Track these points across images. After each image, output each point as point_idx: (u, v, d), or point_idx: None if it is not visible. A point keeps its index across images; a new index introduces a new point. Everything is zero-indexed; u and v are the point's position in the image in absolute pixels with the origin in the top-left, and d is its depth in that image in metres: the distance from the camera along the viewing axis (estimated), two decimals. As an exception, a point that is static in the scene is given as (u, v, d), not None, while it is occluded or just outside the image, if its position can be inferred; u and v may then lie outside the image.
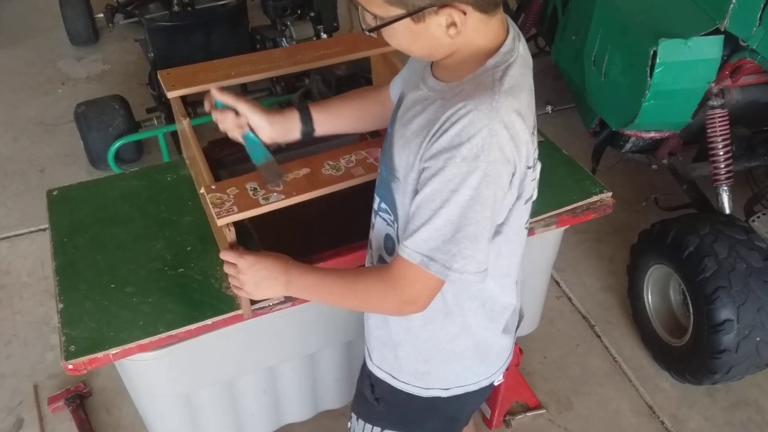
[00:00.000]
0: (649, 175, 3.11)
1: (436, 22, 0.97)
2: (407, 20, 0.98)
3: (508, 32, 1.05)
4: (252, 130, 1.32)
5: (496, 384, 1.35)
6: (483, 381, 1.30)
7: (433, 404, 1.28)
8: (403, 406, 1.31)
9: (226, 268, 1.25)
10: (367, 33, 1.04)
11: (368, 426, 1.38)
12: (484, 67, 1.02)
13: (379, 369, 1.31)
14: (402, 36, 1.02)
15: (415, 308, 1.10)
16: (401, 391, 1.29)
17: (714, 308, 2.02)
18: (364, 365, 1.38)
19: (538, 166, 1.18)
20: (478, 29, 1.01)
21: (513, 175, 1.02)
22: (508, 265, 1.18)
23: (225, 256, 1.24)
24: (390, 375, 1.29)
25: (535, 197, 1.60)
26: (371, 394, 1.35)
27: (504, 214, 1.08)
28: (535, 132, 1.11)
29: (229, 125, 1.31)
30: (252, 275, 1.22)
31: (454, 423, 1.38)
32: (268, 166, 1.35)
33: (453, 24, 0.97)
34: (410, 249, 1.03)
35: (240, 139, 1.33)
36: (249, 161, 1.80)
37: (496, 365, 1.31)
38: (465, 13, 0.97)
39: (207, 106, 1.33)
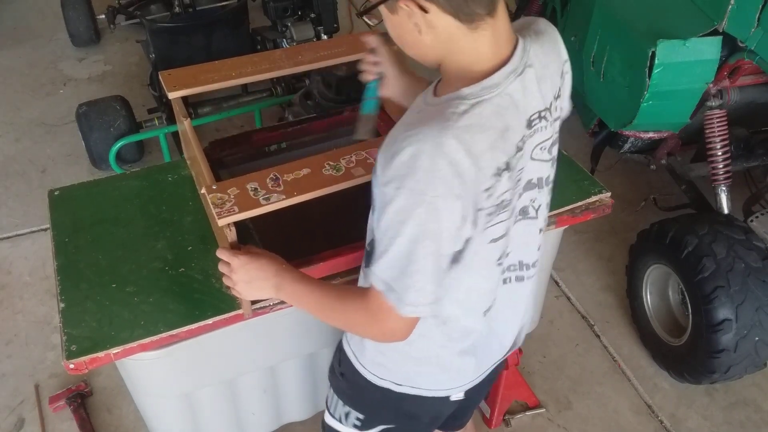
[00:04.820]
0: (648, 176, 3.12)
1: (407, 14, 0.96)
2: (385, 10, 0.97)
3: (507, 62, 0.99)
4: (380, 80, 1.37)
5: (453, 399, 1.31)
6: (438, 391, 1.28)
7: (387, 395, 1.28)
8: (360, 388, 1.31)
9: (221, 267, 1.26)
10: (360, 17, 1.05)
11: (335, 397, 1.40)
12: (457, 94, 0.97)
13: (347, 344, 1.32)
14: (389, 27, 1.01)
15: (397, 338, 1.09)
16: (359, 373, 1.29)
17: (712, 308, 2.02)
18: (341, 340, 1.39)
19: (523, 199, 1.11)
20: (458, 41, 0.97)
21: (468, 211, 0.97)
22: (475, 297, 1.16)
23: (220, 254, 1.26)
24: (354, 354, 1.30)
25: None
26: (338, 367, 1.36)
27: (460, 243, 1.01)
28: (519, 174, 1.05)
29: (367, 66, 1.37)
30: (243, 274, 1.22)
31: (414, 422, 1.35)
32: (367, 119, 1.39)
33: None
34: (377, 275, 1.02)
35: (367, 79, 1.39)
36: (249, 161, 1.82)
37: (455, 381, 1.28)
38: (427, 11, 0.94)
39: (373, 42, 1.38)
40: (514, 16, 3.48)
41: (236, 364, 1.65)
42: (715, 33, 2.06)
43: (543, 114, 1.05)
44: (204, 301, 1.45)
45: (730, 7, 1.99)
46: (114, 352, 1.37)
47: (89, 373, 2.28)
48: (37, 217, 2.94)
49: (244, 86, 3.41)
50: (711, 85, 2.19)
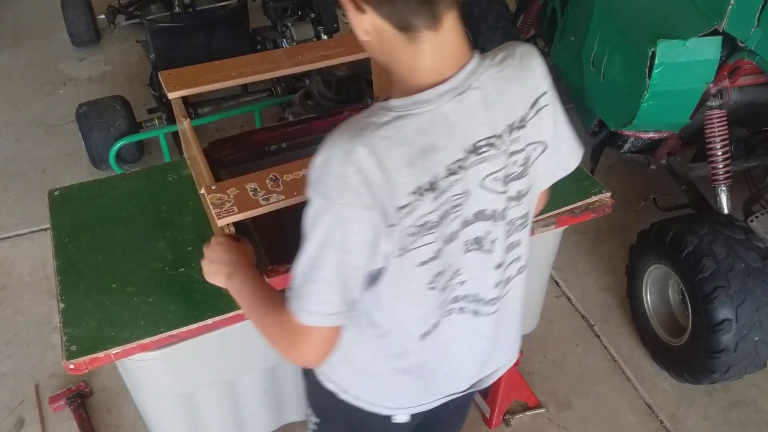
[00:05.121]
0: (648, 176, 3.12)
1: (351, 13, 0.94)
2: (345, 5, 0.95)
3: (447, 81, 0.95)
4: None
5: (395, 421, 1.23)
6: (380, 407, 1.21)
7: (331, 400, 1.24)
8: (313, 388, 1.29)
9: (204, 247, 1.28)
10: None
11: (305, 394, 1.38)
12: (385, 104, 0.94)
13: None
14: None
15: (309, 360, 1.06)
16: (313, 372, 1.26)
17: (712, 308, 2.02)
18: None
19: (475, 229, 1.04)
20: (397, 49, 0.94)
21: (380, 223, 0.92)
22: (404, 320, 1.09)
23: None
24: None
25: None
26: None
27: (379, 260, 0.97)
28: (457, 200, 0.98)
29: None
30: (210, 254, 1.25)
31: None
32: None
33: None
34: (292, 278, 0.99)
35: None
36: (249, 161, 1.82)
37: (398, 401, 1.22)
38: (364, 12, 0.92)
39: None
40: (514, 16, 3.49)
41: (236, 365, 1.65)
42: (715, 33, 2.06)
43: (492, 141, 0.98)
44: (204, 301, 1.45)
45: (730, 7, 1.99)
46: (114, 352, 1.37)
47: (89, 373, 2.28)
48: (37, 217, 2.94)
49: (244, 86, 3.42)
50: (711, 85, 2.19)
